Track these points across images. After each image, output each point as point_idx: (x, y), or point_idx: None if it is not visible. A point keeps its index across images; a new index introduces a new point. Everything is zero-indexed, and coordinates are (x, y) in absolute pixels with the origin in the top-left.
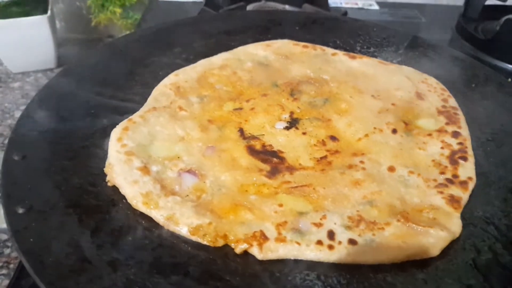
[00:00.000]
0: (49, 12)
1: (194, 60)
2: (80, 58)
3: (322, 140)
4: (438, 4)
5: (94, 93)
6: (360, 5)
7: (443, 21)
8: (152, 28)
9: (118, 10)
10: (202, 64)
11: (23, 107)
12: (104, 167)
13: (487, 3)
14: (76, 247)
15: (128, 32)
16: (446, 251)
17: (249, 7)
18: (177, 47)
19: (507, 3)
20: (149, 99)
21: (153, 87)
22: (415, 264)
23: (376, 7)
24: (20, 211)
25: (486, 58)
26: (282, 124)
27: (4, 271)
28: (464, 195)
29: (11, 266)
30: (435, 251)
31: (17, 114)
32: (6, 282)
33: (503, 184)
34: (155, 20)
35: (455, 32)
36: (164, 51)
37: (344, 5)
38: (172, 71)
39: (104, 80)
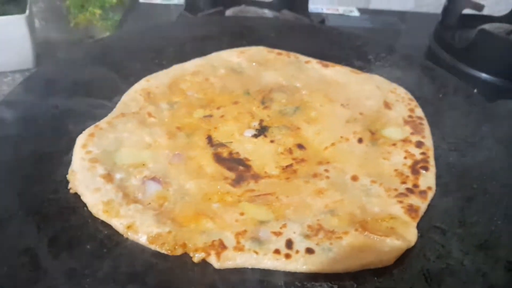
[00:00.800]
0: (27, 11)
1: (167, 66)
2: (52, 60)
3: (290, 148)
4: (418, 12)
5: (63, 98)
6: (340, 11)
7: (423, 29)
8: (127, 33)
9: (98, 11)
10: (175, 69)
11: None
12: (67, 174)
13: (464, 12)
14: (32, 256)
15: (107, 33)
16: (402, 259)
17: (228, 12)
18: (151, 52)
19: (483, 12)
20: (118, 104)
21: (123, 93)
22: (371, 273)
23: (356, 13)
24: None
25: (461, 67)
26: (251, 132)
27: None
28: (422, 205)
29: None
30: (389, 260)
31: None
32: None
33: (462, 194)
34: (135, 21)
35: (432, 40)
36: (138, 56)
37: (324, 11)
38: (144, 76)
39: (75, 84)
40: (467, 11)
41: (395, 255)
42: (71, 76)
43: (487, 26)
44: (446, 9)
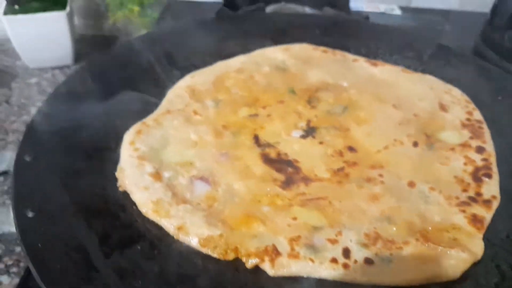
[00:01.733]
0: (67, 8)
1: (211, 62)
2: (95, 57)
3: (340, 150)
4: (463, 11)
5: (109, 93)
6: (382, 10)
7: (468, 29)
8: (169, 28)
9: (136, 8)
10: (219, 66)
11: (39, 104)
12: (116, 171)
13: None
14: (84, 254)
15: (145, 30)
16: (468, 274)
17: (268, 9)
18: (194, 48)
19: None
20: (164, 101)
21: (169, 89)
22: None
23: (398, 12)
24: (30, 214)
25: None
26: (299, 133)
27: (14, 269)
28: (487, 215)
29: (22, 264)
30: (455, 274)
31: (33, 110)
32: (16, 280)
33: None
34: (173, 19)
35: (479, 40)
36: (181, 52)
37: (365, 9)
38: (188, 72)
39: (121, 80)
40: None
41: (461, 268)
42: (116, 72)
43: None
44: (495, 8)
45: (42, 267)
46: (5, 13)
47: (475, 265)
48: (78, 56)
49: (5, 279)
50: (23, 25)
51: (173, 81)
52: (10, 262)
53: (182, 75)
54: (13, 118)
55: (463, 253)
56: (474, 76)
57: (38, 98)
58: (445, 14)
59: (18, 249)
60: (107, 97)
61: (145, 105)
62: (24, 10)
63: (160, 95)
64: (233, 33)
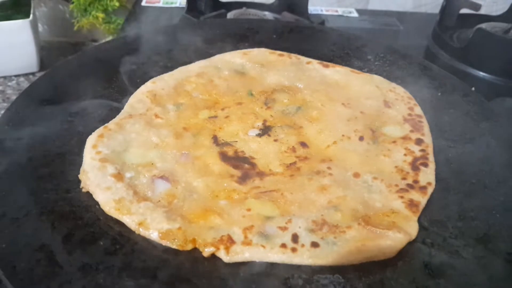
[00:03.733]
0: (31, 16)
1: (172, 68)
2: (59, 64)
3: (293, 146)
4: (417, 12)
5: (71, 100)
6: (340, 13)
7: (421, 29)
8: (131, 36)
9: (101, 15)
10: (180, 71)
11: (2, 112)
12: (79, 174)
13: (462, 11)
14: (47, 252)
15: (110, 36)
16: (404, 252)
17: (230, 15)
18: (156, 55)
19: (481, 12)
20: (126, 106)
21: (130, 95)
22: (375, 265)
23: (355, 14)
24: None
25: (460, 66)
26: (255, 132)
27: None
28: (422, 200)
29: None
30: (392, 253)
31: None
32: None
33: (462, 189)
34: (138, 24)
35: (431, 40)
36: (143, 58)
37: (324, 12)
38: (150, 78)
39: (82, 87)
40: (464, 10)
41: (397, 248)
42: (78, 79)
43: (484, 25)
44: (444, 9)
45: (6, 265)
46: None
47: (410, 244)
48: (43, 63)
49: None
50: None
51: (135, 87)
52: None
53: (144, 81)
54: None
55: (399, 234)
56: (418, 75)
57: (3, 105)
58: (400, 15)
59: None
60: (70, 104)
61: (108, 111)
62: None
63: (123, 101)
64: (194, 39)
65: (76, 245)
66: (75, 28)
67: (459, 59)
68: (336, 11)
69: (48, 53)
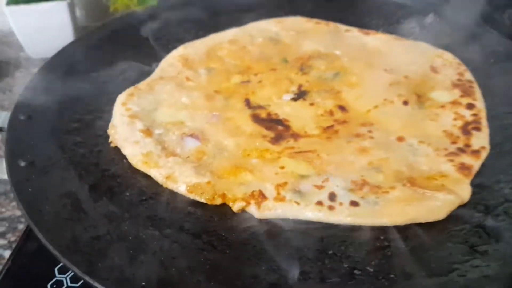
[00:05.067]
0: None
1: (204, 36)
2: (94, 30)
3: (330, 110)
4: None
5: (104, 63)
6: None
7: (468, 9)
8: (165, 5)
9: None
10: (212, 38)
11: None
12: (108, 129)
13: None
14: (74, 199)
15: None
16: (455, 215)
17: None
18: (189, 23)
19: None
20: (157, 69)
21: (161, 60)
22: (421, 227)
23: None
24: (22, 164)
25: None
26: (290, 96)
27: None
28: (475, 163)
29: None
30: (441, 214)
31: None
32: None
33: None
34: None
35: (480, 19)
36: (176, 26)
37: None
38: (181, 44)
39: (116, 51)
40: None
41: (447, 210)
42: (112, 44)
43: None
44: None
45: (32, 209)
46: (8, 3)
47: (462, 207)
48: None
49: (7, 253)
50: (25, 15)
51: (167, 52)
52: (13, 239)
53: (176, 47)
54: None
55: (450, 195)
56: (468, 42)
57: None
58: None
59: (20, 226)
60: (102, 67)
61: (139, 74)
62: (26, 0)
63: (154, 65)
64: (227, 8)
65: (102, 194)
66: (111, 10)
67: (510, 38)
68: None
69: None
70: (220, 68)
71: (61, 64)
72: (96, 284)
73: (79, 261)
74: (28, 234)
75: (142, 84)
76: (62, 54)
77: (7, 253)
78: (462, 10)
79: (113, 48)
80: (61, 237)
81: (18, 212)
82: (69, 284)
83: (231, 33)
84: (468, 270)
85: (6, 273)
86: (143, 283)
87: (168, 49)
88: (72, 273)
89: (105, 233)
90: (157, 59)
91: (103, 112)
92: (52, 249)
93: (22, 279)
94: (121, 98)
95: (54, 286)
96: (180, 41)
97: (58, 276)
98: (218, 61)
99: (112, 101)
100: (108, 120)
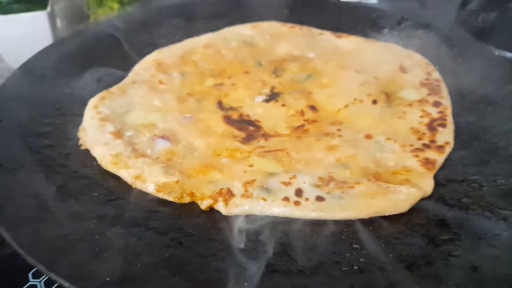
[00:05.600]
0: (48, 8)
1: (180, 40)
2: (68, 37)
3: (301, 110)
4: None
5: (77, 68)
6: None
7: (444, 14)
8: (141, 11)
9: (116, 6)
10: (187, 42)
11: None
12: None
13: None
14: (40, 200)
15: None
16: (417, 209)
17: None
18: (165, 28)
19: None
20: (131, 73)
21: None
22: (385, 219)
23: (374, 0)
24: None
25: (486, 47)
26: (262, 98)
27: None
28: (439, 158)
29: None
30: (404, 207)
31: None
32: None
33: (481, 149)
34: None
35: (454, 24)
36: (152, 31)
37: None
38: (156, 49)
39: (91, 58)
40: None
41: (410, 203)
42: (87, 49)
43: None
44: None
45: None
46: None
47: (425, 200)
48: None
49: None
50: (4, 26)
51: (142, 57)
52: None
53: (151, 51)
54: None
55: (413, 189)
56: (437, 44)
57: None
58: (422, 0)
59: None
60: (76, 73)
61: (112, 79)
62: (5, 11)
63: (129, 70)
64: (203, 14)
65: (69, 195)
66: (91, 19)
67: (484, 40)
68: None
69: None
70: (194, 72)
71: (35, 69)
72: (60, 280)
73: (43, 259)
74: (1, 240)
75: (115, 88)
76: (36, 59)
77: None
78: (433, 14)
79: (88, 54)
80: (26, 236)
81: None
82: None
83: (206, 37)
84: (430, 261)
85: None
86: (107, 279)
87: (143, 54)
88: (47, 277)
89: (70, 232)
90: (132, 64)
91: (75, 116)
92: (17, 247)
93: None
94: (92, 101)
95: None
96: (155, 46)
97: (32, 281)
98: (192, 65)
99: (84, 105)
100: (79, 124)
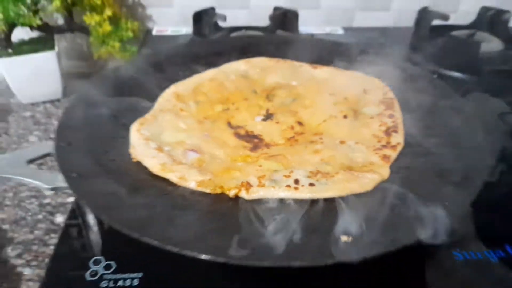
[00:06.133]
0: (56, 48)
1: (189, 76)
2: (102, 75)
3: (291, 125)
4: (397, 27)
5: (114, 102)
6: (327, 31)
7: (401, 41)
8: (152, 54)
9: (117, 45)
10: (196, 77)
11: (36, 132)
12: (129, 149)
13: (434, 23)
14: (115, 196)
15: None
16: (380, 188)
17: (232, 35)
18: (175, 66)
19: (453, 22)
20: (156, 104)
21: (158, 96)
22: (356, 196)
23: (341, 31)
24: (74, 175)
25: (436, 68)
26: (260, 117)
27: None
28: (393, 154)
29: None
30: (369, 188)
31: (31, 138)
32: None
33: (421, 149)
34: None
35: (409, 49)
36: (165, 70)
37: (313, 31)
38: (171, 84)
39: (121, 91)
40: (437, 22)
41: (373, 184)
42: (117, 86)
43: (454, 33)
44: (418, 22)
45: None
46: (0, 56)
47: (384, 183)
48: (65, 90)
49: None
50: (17, 66)
51: (161, 91)
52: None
53: (167, 86)
54: (14, 146)
55: (374, 175)
56: (391, 69)
57: (34, 127)
58: (382, 30)
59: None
60: (113, 104)
61: (142, 108)
62: (17, 52)
63: (153, 101)
64: (204, 54)
65: (135, 192)
66: (95, 57)
67: (433, 62)
68: (324, 29)
69: (69, 82)
70: (205, 100)
71: (81, 104)
72: (154, 242)
73: (132, 228)
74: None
75: (148, 116)
76: (81, 95)
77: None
78: (390, 46)
79: (119, 88)
80: (115, 216)
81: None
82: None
83: (210, 73)
84: (386, 217)
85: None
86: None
87: (162, 88)
88: (106, 263)
89: (144, 213)
90: (154, 95)
91: (123, 138)
92: (114, 223)
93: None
94: (134, 126)
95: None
96: (171, 81)
97: (93, 267)
98: (203, 95)
99: (127, 129)
100: (127, 143)
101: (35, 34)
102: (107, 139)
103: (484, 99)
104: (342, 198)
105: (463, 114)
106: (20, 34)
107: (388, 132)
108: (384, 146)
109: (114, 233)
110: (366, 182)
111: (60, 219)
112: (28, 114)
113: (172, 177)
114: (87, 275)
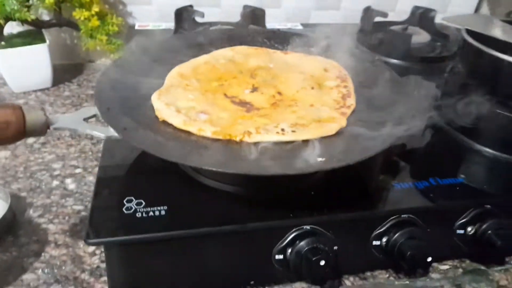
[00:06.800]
0: (47, 41)
1: (187, 60)
2: (119, 60)
3: (273, 95)
4: (346, 23)
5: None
6: (289, 26)
7: (349, 34)
8: (152, 42)
9: (104, 38)
10: (192, 61)
11: None
12: (154, 112)
13: (376, 19)
14: (154, 140)
15: (112, 54)
16: (339, 132)
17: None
18: (172, 53)
19: (393, 19)
20: (166, 81)
21: (165, 75)
22: (324, 138)
23: (300, 27)
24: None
25: (377, 56)
26: (249, 90)
27: None
28: (348, 111)
29: None
30: (333, 131)
31: None
32: None
33: (371, 107)
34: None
35: (356, 42)
36: (169, 56)
37: (277, 26)
38: (172, 67)
39: (139, 69)
40: (377, 19)
41: (335, 130)
42: (137, 64)
43: (392, 27)
44: (362, 19)
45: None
46: None
47: (342, 129)
48: (55, 79)
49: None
50: (11, 58)
51: (168, 71)
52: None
53: (172, 68)
54: None
55: (336, 124)
56: (346, 55)
57: None
58: (334, 26)
59: None
60: (133, 79)
61: (154, 84)
62: (10, 45)
63: (163, 79)
64: (192, 44)
65: (167, 140)
66: (84, 49)
67: (376, 52)
68: (286, 25)
69: (58, 72)
70: (203, 78)
71: (111, 77)
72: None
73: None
74: None
75: (162, 89)
76: (106, 73)
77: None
78: (341, 38)
79: (137, 67)
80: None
81: None
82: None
83: (204, 58)
84: (348, 150)
85: None
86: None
87: (168, 69)
88: (137, 201)
89: (182, 152)
90: (163, 75)
91: (146, 106)
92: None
93: None
94: (155, 95)
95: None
96: (173, 64)
97: (128, 205)
98: (201, 74)
99: (147, 99)
100: (151, 108)
101: (21, 28)
102: (137, 104)
103: (418, 80)
104: (315, 140)
105: (400, 84)
106: (7, 28)
107: (344, 97)
108: (341, 106)
109: (139, 177)
110: (331, 128)
111: (72, 186)
112: (21, 101)
113: (193, 129)
114: (124, 209)
